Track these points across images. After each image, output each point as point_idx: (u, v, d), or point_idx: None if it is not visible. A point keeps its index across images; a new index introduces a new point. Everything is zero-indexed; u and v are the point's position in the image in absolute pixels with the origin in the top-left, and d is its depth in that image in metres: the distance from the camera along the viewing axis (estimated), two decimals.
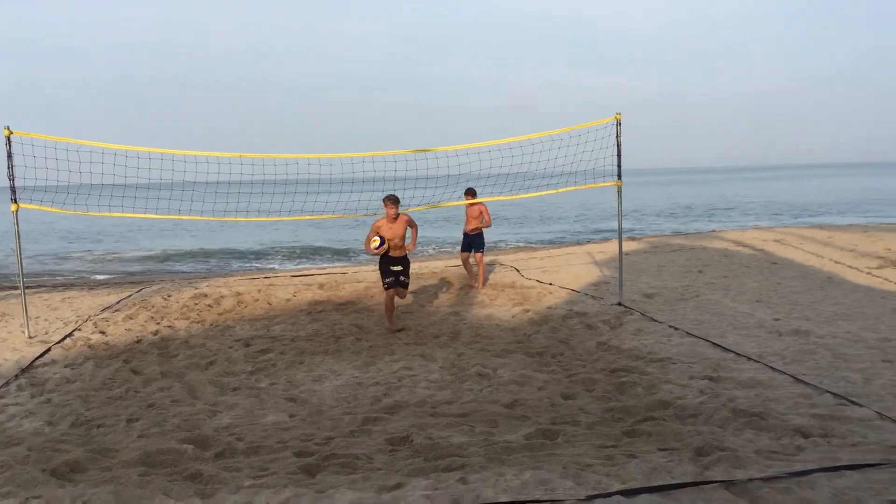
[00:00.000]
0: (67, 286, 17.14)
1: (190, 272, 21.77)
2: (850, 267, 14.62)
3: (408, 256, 10.89)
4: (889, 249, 16.80)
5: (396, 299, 11.93)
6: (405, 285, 10.85)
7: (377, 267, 11.85)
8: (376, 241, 10.43)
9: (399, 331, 10.45)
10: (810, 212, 42.51)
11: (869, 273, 13.79)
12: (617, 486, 4.86)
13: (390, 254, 10.72)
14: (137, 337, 10.44)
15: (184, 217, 13.10)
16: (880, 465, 5.10)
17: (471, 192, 14.01)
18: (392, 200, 10.42)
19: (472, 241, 14.42)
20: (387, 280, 10.69)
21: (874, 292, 11.92)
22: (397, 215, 10.60)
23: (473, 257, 14.48)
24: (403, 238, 10.78)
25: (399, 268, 10.78)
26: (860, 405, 6.40)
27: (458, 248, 16.24)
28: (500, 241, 30.61)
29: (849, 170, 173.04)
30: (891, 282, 12.77)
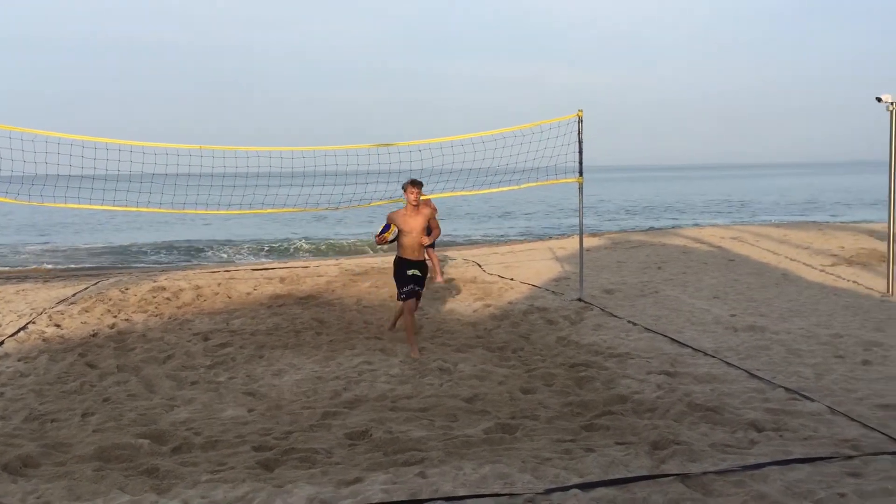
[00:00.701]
0: (22, 278, 16.81)
1: (149, 265, 21.50)
2: (805, 264, 14.91)
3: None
4: (842, 247, 17.16)
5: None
6: (419, 295, 9.06)
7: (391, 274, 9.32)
8: (383, 227, 8.96)
9: (419, 351, 8.69)
10: (767, 210, 43.23)
11: (822, 270, 14.08)
12: (575, 480, 4.92)
13: (406, 255, 8.88)
14: (93, 330, 10.28)
15: (143, 209, 12.93)
16: (831, 458, 5.22)
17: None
18: (415, 185, 8.64)
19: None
20: (404, 290, 8.82)
21: (827, 289, 12.17)
22: (418, 204, 8.78)
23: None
24: (423, 234, 8.91)
25: (417, 272, 8.91)
26: (812, 400, 6.54)
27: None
28: (462, 236, 30.68)
29: (809, 169, 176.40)
30: (843, 279, 13.06)
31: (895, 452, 5.29)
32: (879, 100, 11.40)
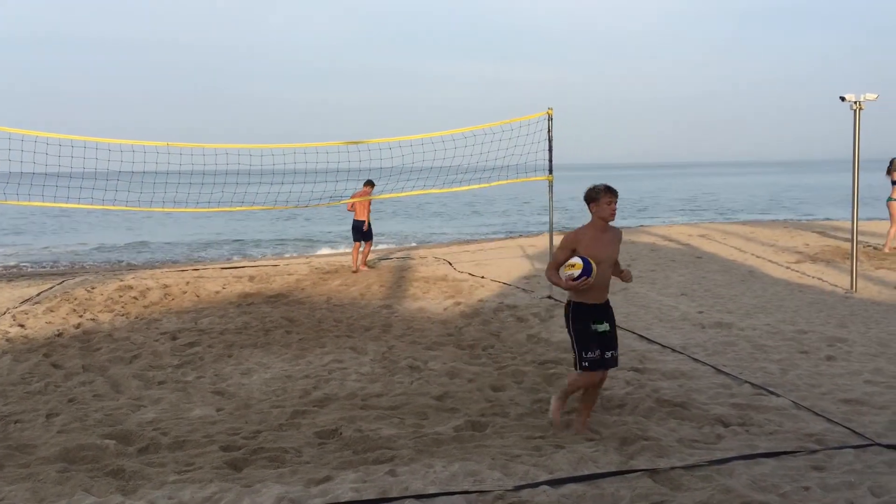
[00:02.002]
0: None
1: (116, 264, 21.22)
2: (771, 261, 15.10)
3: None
4: (807, 245, 17.41)
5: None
6: (615, 361, 5.85)
7: (568, 327, 5.88)
8: (576, 268, 5.59)
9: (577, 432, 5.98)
10: (734, 208, 43.73)
11: (788, 267, 14.27)
12: (544, 476, 4.94)
13: (590, 299, 5.74)
14: (58, 330, 10.13)
15: (110, 207, 12.78)
16: (795, 452, 5.29)
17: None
18: (612, 192, 5.74)
19: (364, 234, 15.51)
20: (589, 355, 5.69)
21: (792, 286, 12.34)
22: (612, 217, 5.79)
23: (364, 246, 15.64)
24: (617, 264, 5.98)
25: (605, 327, 5.78)
26: (777, 395, 6.63)
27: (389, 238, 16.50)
28: (433, 234, 30.68)
29: (771, 168, 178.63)
30: (808, 276, 13.24)
31: (858, 446, 5.38)
32: (843, 99, 11.58)
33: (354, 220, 15.46)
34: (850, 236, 12.86)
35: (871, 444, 5.39)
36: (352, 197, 15.32)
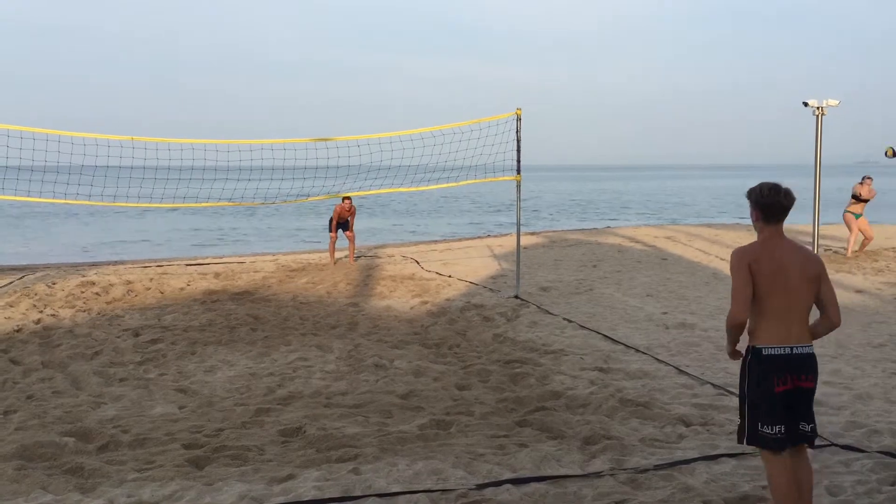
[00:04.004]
0: None
1: (77, 260, 20.88)
2: None
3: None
4: None
5: None
6: (812, 437, 4.10)
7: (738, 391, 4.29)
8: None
9: None
10: (699, 211, 44.22)
11: None
12: (508, 475, 4.96)
13: (773, 341, 4.02)
14: (18, 325, 9.95)
15: (72, 202, 12.58)
16: (754, 453, 5.36)
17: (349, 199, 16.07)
18: (787, 197, 4.17)
19: (344, 225, 16.48)
20: (771, 430, 4.00)
21: None
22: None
23: (345, 236, 16.48)
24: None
25: (803, 383, 4.03)
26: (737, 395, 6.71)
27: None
28: (401, 233, 30.62)
29: (729, 171, 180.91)
30: None
31: (816, 446, 5.45)
32: (806, 104, 11.77)
33: (339, 221, 16.29)
34: (811, 240, 13.07)
35: (828, 445, 5.48)
36: (337, 213, 16.29)
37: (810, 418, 4.03)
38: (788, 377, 3.95)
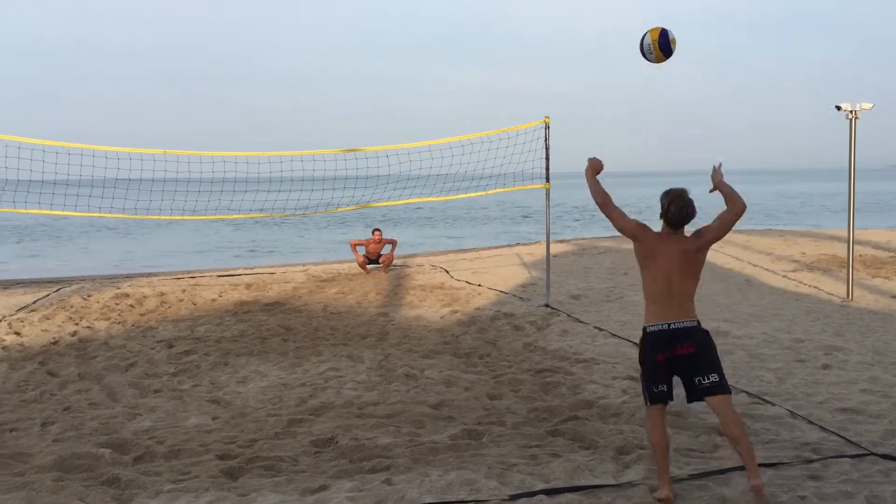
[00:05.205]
0: None
1: (111, 272, 21.18)
2: (767, 270, 15.12)
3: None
4: (804, 253, 17.44)
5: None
6: (716, 386, 4.70)
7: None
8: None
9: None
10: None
11: (785, 276, 14.29)
12: (540, 486, 4.93)
13: (660, 325, 4.79)
14: (54, 338, 10.10)
15: (106, 215, 12.78)
16: (792, 462, 5.29)
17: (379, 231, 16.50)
18: None
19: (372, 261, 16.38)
20: (658, 389, 4.78)
21: (789, 294, 12.35)
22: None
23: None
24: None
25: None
26: (773, 404, 6.63)
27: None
28: (430, 242, 30.67)
29: (765, 177, 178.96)
30: (805, 284, 13.26)
31: (854, 456, 5.38)
32: (839, 108, 11.62)
33: (368, 256, 16.25)
34: (846, 245, 12.87)
35: (867, 454, 5.38)
36: (367, 246, 16.32)
37: (707, 373, 4.69)
38: (667, 348, 4.72)
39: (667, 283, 4.77)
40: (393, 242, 16.46)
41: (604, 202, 4.98)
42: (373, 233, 16.38)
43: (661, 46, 6.16)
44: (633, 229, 4.87)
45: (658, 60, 6.25)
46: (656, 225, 4.99)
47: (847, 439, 5.72)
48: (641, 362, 4.89)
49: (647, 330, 4.80)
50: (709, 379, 4.67)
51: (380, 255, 16.29)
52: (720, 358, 4.84)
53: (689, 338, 4.73)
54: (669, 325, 4.74)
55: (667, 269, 4.77)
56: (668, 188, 4.92)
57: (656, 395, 4.75)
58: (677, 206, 4.77)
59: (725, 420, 4.66)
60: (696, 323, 4.81)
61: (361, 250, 16.23)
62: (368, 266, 16.19)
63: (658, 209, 4.87)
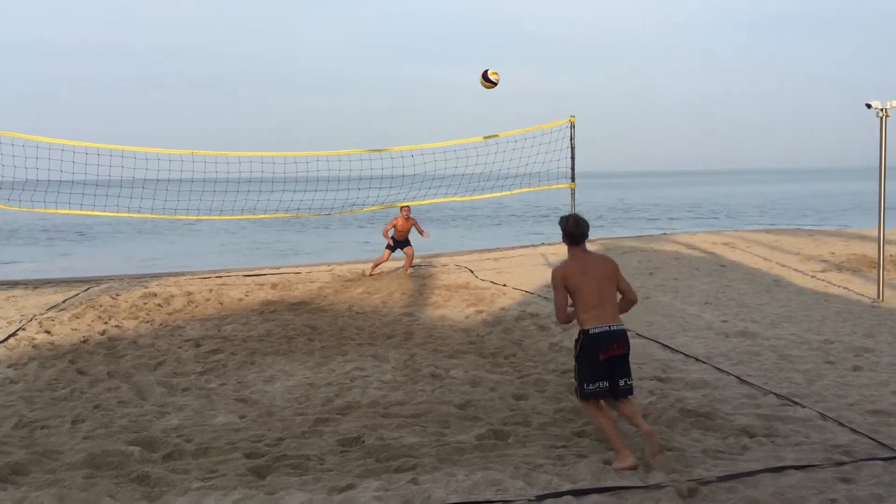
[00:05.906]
0: (11, 285, 16.71)
1: (139, 272, 21.41)
2: (796, 270, 14.95)
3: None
4: (833, 253, 17.23)
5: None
6: (629, 389, 5.46)
7: None
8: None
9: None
10: (757, 215, 43.38)
11: (814, 276, 14.13)
12: (567, 486, 4.92)
13: (601, 328, 5.41)
14: (84, 337, 10.23)
15: (132, 215, 12.92)
16: (822, 465, 5.23)
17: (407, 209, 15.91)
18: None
19: (400, 244, 15.98)
20: (596, 386, 5.38)
21: (818, 295, 12.21)
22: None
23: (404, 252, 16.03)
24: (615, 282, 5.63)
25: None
26: (803, 406, 6.56)
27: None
28: (455, 241, 30.67)
29: (797, 175, 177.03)
30: (834, 285, 13.10)
31: (886, 458, 5.31)
32: (869, 106, 11.47)
33: (396, 238, 15.81)
34: (876, 245, 12.70)
35: None
36: (396, 226, 15.75)
37: (628, 376, 5.42)
38: (608, 348, 5.32)
39: (598, 291, 5.40)
40: (415, 223, 15.83)
41: (563, 318, 5.60)
42: (401, 210, 15.62)
43: (485, 78, 7.88)
44: (562, 280, 5.45)
45: (488, 87, 8.58)
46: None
47: (879, 442, 5.64)
48: (578, 360, 5.43)
49: (591, 332, 5.36)
50: (627, 382, 5.42)
51: (407, 241, 15.86)
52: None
53: (622, 339, 5.41)
54: (610, 326, 5.37)
55: (597, 279, 5.42)
56: (561, 216, 5.71)
57: (597, 391, 5.36)
58: (574, 219, 5.54)
59: (632, 414, 5.41)
60: (624, 327, 5.50)
61: (391, 233, 15.79)
62: (392, 255, 15.92)
63: (560, 234, 5.59)
